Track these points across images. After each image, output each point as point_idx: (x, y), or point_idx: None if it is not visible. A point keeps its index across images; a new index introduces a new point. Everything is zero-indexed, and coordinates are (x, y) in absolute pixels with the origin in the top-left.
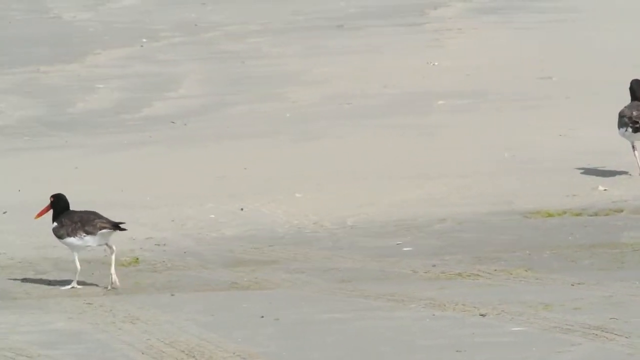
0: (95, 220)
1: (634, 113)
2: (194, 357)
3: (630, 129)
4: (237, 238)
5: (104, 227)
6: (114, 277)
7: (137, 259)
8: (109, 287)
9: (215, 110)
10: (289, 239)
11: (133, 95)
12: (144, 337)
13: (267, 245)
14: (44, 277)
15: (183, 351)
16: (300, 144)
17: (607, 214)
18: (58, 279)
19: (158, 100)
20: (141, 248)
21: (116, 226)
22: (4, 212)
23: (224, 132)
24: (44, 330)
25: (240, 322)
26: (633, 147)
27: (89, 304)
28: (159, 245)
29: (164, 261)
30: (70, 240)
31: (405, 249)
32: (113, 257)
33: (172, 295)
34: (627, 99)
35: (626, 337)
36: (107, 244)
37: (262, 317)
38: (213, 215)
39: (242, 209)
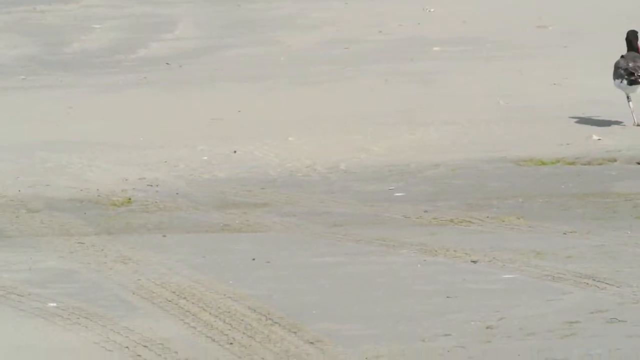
0: None
1: (630, 65)
2: (184, 298)
3: (625, 81)
4: (230, 180)
5: None
6: None
7: (130, 199)
8: None
9: (210, 53)
10: (282, 182)
11: (129, 35)
12: (134, 277)
13: (260, 187)
14: (36, 215)
15: (174, 292)
16: (295, 88)
17: (600, 163)
18: (50, 217)
19: (153, 41)
20: (133, 188)
21: None
22: None
23: (219, 74)
24: (35, 269)
25: (231, 264)
26: (628, 98)
27: (81, 243)
28: (151, 185)
29: (156, 202)
30: None
31: (397, 194)
32: None
33: (164, 236)
34: (622, 49)
35: (617, 287)
36: None
37: (254, 259)
38: (206, 157)
39: (235, 152)
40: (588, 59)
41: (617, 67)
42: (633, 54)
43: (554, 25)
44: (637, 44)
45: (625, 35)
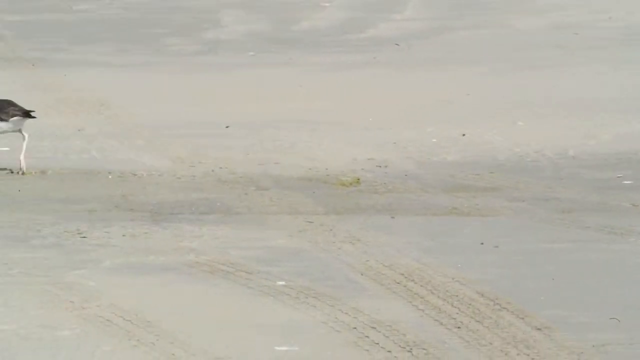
0: (8, 108)
1: None
2: (413, 280)
3: None
4: (458, 163)
5: (16, 115)
6: (23, 163)
7: (359, 179)
8: (19, 172)
9: (439, 34)
10: (510, 166)
11: (358, 15)
12: (363, 258)
13: (488, 172)
14: (266, 193)
15: (402, 274)
16: (523, 72)
17: None
18: (279, 195)
19: (383, 21)
20: (362, 169)
21: (27, 114)
22: (227, 127)
23: (447, 56)
24: (263, 247)
25: (459, 248)
26: None
27: (310, 222)
28: (380, 166)
29: (384, 183)
30: None
31: (625, 182)
32: (24, 144)
33: (392, 217)
34: None
35: None
36: (20, 131)
37: (482, 243)
38: (435, 140)
39: (463, 135)
40: None
41: None
42: None
43: None
44: None
45: None
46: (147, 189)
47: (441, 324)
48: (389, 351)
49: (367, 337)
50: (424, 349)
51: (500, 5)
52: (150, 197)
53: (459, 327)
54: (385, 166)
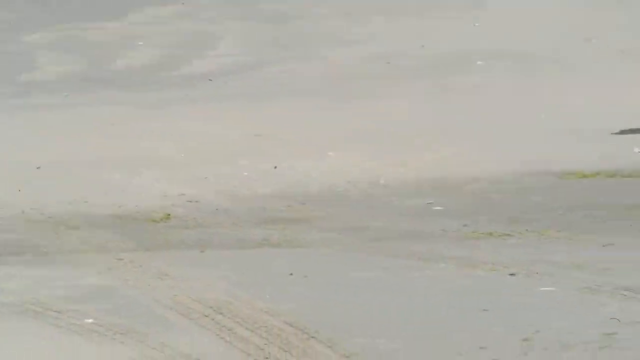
0: None
1: None
2: (221, 313)
3: None
4: (270, 196)
5: None
6: None
7: (169, 215)
8: None
9: (253, 69)
10: (321, 197)
11: (172, 52)
12: (171, 292)
13: (300, 203)
14: (75, 232)
15: (211, 307)
16: (335, 104)
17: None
18: (89, 234)
19: (197, 58)
20: (173, 204)
21: None
22: (38, 168)
23: (261, 91)
24: (73, 285)
25: (269, 279)
26: None
27: (119, 259)
28: (191, 202)
29: (195, 218)
30: None
31: (436, 208)
32: None
33: (202, 252)
34: None
35: None
36: None
37: (291, 274)
38: (246, 173)
39: (275, 167)
40: (632, 72)
41: None
42: None
43: (598, 38)
44: None
45: None
46: None
47: (249, 355)
48: None
49: None
50: None
51: (313, 38)
52: None
53: (267, 358)
54: (197, 201)
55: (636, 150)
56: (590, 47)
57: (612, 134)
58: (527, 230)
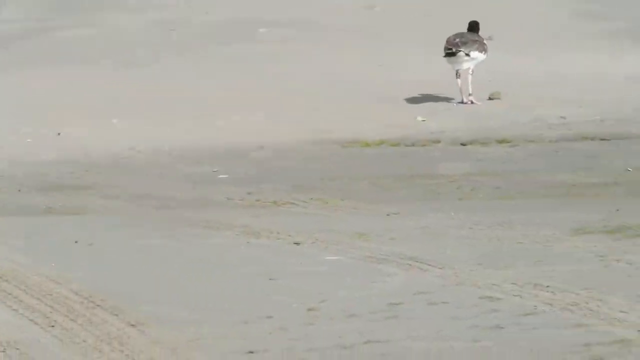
0: None
1: (450, 38)
2: (6, 281)
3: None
4: (53, 162)
5: None
6: None
7: None
8: None
9: (37, 35)
10: (106, 164)
11: None
12: None
13: (83, 170)
14: None
15: None
16: (119, 71)
17: (424, 145)
18: None
19: None
20: None
21: None
22: None
23: (44, 57)
24: None
25: (54, 247)
26: (456, 74)
27: None
28: None
29: None
30: None
31: (221, 176)
32: None
33: None
34: (449, 31)
35: (440, 268)
36: None
37: (76, 242)
38: (30, 140)
39: (59, 134)
40: (414, 40)
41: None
42: (466, 32)
43: (381, 5)
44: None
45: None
46: None
47: (35, 323)
48: None
49: None
50: (17, 348)
51: (97, 4)
52: None
53: (52, 326)
54: None
55: (419, 119)
56: (373, 15)
57: (396, 103)
58: (311, 199)
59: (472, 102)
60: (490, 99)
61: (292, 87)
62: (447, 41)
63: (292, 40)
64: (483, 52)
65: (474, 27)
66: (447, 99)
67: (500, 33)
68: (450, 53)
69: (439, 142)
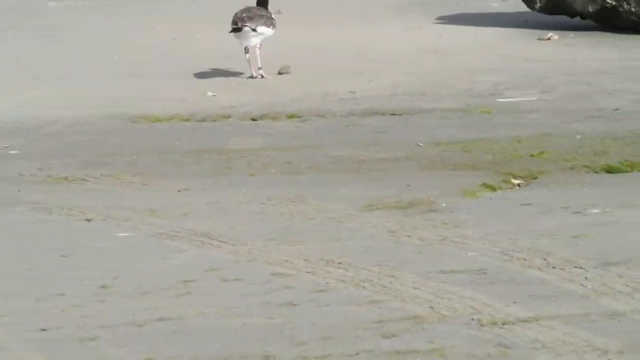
0: None
1: (237, 13)
2: None
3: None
4: None
5: None
6: None
7: None
8: None
9: None
10: None
11: None
12: None
13: None
14: None
15: None
16: None
17: (214, 120)
18: None
19: None
20: None
21: None
22: None
23: None
24: None
25: None
26: (245, 49)
27: None
28: None
29: None
30: None
31: (12, 151)
32: None
33: None
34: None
35: (232, 244)
36: None
37: None
38: None
39: None
40: (205, 15)
41: None
42: (254, 7)
43: None
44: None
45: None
46: None
47: None
48: None
49: None
50: None
51: None
52: None
53: None
54: None
55: (209, 94)
56: None
57: (187, 78)
58: (102, 174)
59: (262, 77)
60: (280, 73)
61: (84, 61)
62: (234, 16)
63: (83, 13)
64: (271, 27)
65: (263, 1)
66: (238, 74)
67: (292, 7)
68: (236, 28)
69: (229, 117)
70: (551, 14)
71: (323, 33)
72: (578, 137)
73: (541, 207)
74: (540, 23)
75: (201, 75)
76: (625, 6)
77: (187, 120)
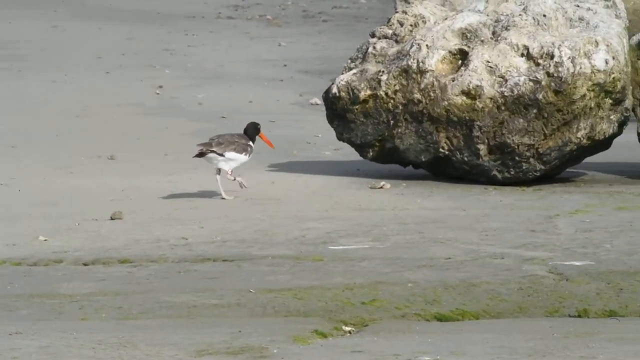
0: None
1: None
2: None
3: None
4: None
5: None
6: None
7: None
8: None
9: None
10: None
11: None
12: None
13: None
14: None
15: None
16: None
17: (46, 264)
18: None
19: None
20: None
21: None
22: None
23: None
24: None
25: None
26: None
27: None
28: None
29: None
30: None
31: None
32: None
33: None
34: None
35: None
36: None
37: None
38: None
39: None
40: (37, 159)
41: None
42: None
43: (3, 125)
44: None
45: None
46: None
47: None
48: None
49: None
50: None
51: None
52: None
53: None
54: None
55: (42, 238)
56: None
57: (17, 221)
58: None
59: (242, 187)
60: (112, 218)
61: None
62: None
63: None
64: (244, 154)
65: (251, 130)
66: (70, 218)
67: (124, 154)
68: (200, 154)
69: (61, 261)
70: (384, 162)
71: (154, 177)
72: (410, 285)
73: (372, 354)
74: (373, 171)
75: (31, 219)
76: (458, 155)
77: (18, 264)
